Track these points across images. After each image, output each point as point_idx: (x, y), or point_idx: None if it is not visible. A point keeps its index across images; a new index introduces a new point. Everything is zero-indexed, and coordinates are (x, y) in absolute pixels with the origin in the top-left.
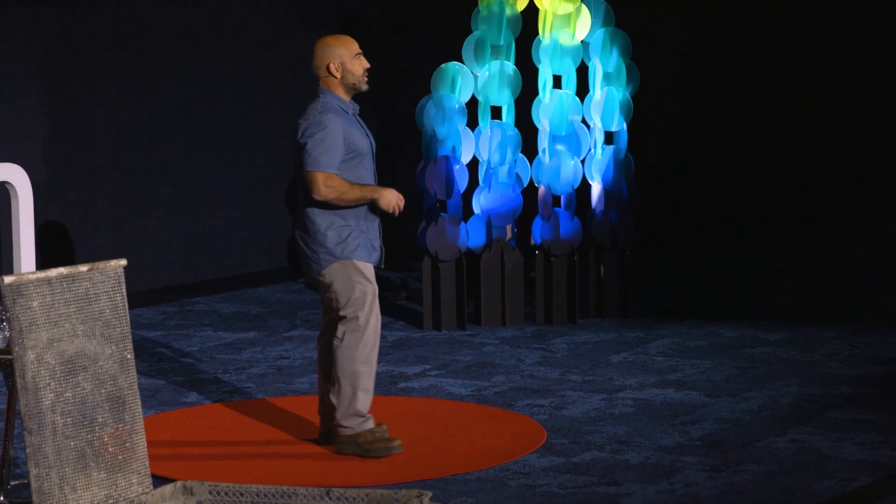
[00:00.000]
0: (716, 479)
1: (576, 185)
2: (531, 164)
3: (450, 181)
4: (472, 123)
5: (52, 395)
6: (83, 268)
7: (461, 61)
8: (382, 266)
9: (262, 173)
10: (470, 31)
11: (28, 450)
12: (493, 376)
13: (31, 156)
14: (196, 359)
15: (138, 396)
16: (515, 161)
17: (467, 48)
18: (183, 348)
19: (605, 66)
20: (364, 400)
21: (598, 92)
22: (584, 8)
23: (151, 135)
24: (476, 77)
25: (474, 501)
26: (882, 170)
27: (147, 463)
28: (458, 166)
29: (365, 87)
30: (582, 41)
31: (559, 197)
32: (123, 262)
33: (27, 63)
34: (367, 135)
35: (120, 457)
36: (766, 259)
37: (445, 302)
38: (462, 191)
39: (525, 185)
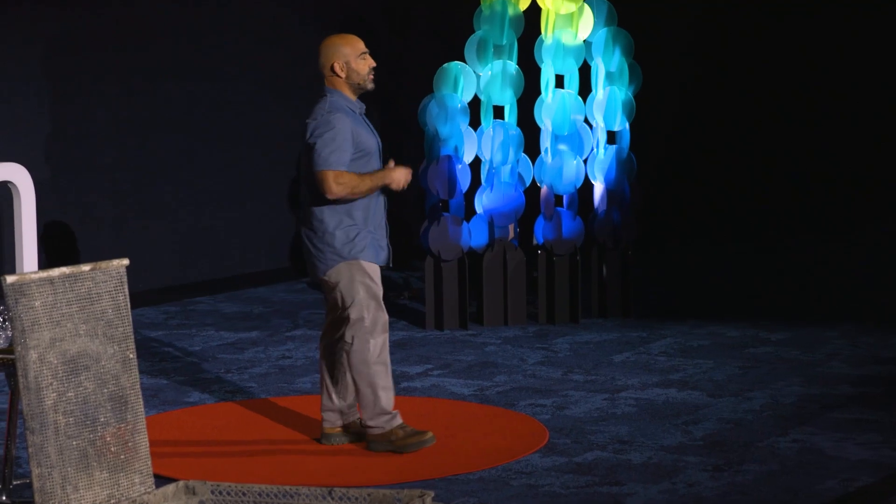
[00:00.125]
0: (718, 479)
1: (578, 185)
2: (533, 163)
3: (452, 181)
4: (475, 123)
5: (55, 394)
6: (85, 267)
7: (464, 61)
8: (390, 265)
9: (264, 173)
10: (472, 31)
11: (30, 449)
12: (495, 376)
13: (32, 155)
14: (198, 358)
15: (140, 396)
16: (518, 161)
17: (470, 48)
18: (185, 348)
19: (608, 65)
20: (386, 397)
21: (600, 91)
22: (587, 7)
23: (153, 134)
24: (478, 77)
25: (476, 501)
26: (882, 170)
27: (149, 462)
28: (460, 166)
29: (371, 87)
30: (584, 41)
31: (561, 196)
32: (126, 261)
33: (29, 63)
34: (374, 134)
35: (122, 456)
36: (768, 259)
37: (448, 302)
38: (464, 190)
39: (527, 184)
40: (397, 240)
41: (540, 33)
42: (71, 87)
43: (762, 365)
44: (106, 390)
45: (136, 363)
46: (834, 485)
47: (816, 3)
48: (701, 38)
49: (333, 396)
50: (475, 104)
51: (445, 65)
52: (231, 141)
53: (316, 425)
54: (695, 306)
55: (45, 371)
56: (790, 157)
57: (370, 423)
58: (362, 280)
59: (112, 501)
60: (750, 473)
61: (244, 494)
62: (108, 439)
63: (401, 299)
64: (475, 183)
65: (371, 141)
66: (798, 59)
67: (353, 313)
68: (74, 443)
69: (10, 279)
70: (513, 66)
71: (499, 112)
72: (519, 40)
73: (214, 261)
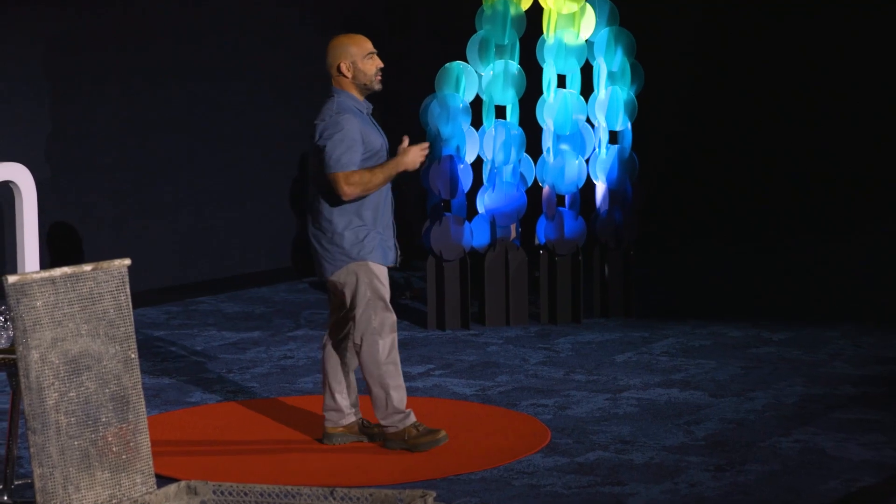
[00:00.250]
0: (720, 480)
1: (580, 185)
2: (535, 163)
3: (454, 181)
4: (477, 123)
5: (56, 394)
6: (87, 267)
7: (465, 60)
8: (398, 266)
9: (264, 173)
10: (474, 31)
11: (32, 449)
12: (497, 376)
13: (32, 155)
14: (200, 358)
15: (142, 396)
16: (519, 160)
17: (471, 47)
18: (187, 347)
19: (610, 65)
20: (398, 396)
21: (602, 91)
22: (589, 7)
23: (154, 134)
24: (480, 76)
25: (478, 501)
26: (882, 170)
27: (151, 462)
28: (462, 166)
29: (378, 87)
30: (586, 40)
31: (563, 196)
32: (127, 261)
33: (29, 63)
34: (381, 134)
35: (124, 456)
36: (769, 259)
37: (449, 301)
38: (466, 190)
39: (529, 184)
40: (399, 240)
41: (542, 33)
42: (71, 87)
43: (764, 365)
44: (108, 390)
45: (137, 363)
46: (836, 485)
47: (816, 3)
48: (702, 38)
49: (336, 396)
50: (477, 104)
51: (447, 64)
52: (231, 141)
53: (318, 425)
54: (697, 306)
55: (46, 371)
56: (790, 157)
57: (385, 422)
58: (370, 281)
59: (114, 501)
60: (752, 473)
61: (246, 494)
62: (110, 439)
63: (402, 299)
64: (477, 183)
65: (379, 141)
66: (798, 59)
67: (361, 315)
68: (76, 443)
69: (11, 279)
70: (514, 65)
71: (500, 112)
72: (521, 40)
73: (215, 261)
